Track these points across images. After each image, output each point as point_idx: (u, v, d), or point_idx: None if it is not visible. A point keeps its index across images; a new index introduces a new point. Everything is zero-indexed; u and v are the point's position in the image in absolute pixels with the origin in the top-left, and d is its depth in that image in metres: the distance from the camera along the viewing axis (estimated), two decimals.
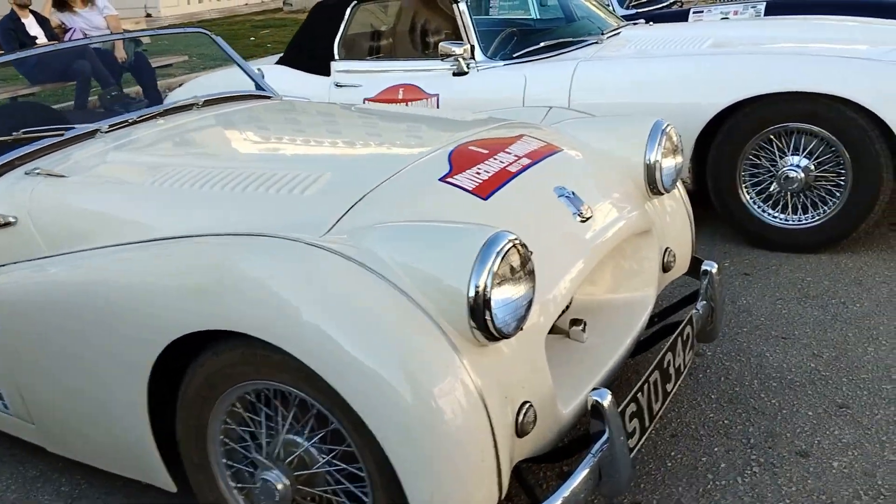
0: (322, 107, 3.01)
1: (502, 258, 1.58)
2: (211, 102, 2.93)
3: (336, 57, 4.54)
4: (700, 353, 2.78)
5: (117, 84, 6.99)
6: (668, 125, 2.43)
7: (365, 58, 4.64)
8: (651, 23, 4.78)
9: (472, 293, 1.55)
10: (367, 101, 4.34)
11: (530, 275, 1.66)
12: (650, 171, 2.36)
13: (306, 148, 2.40)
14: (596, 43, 4.26)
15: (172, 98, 3.99)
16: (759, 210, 3.65)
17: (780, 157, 3.54)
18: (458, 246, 1.61)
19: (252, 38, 13.11)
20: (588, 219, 2.05)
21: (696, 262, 2.65)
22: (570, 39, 4.25)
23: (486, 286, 1.55)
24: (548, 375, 1.78)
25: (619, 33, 4.42)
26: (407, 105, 4.25)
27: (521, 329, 1.66)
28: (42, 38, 7.05)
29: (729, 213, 3.72)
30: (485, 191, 1.95)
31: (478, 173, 2.03)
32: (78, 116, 5.13)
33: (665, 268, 2.45)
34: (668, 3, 6.38)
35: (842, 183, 3.44)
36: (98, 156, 2.37)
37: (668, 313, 2.53)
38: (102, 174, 2.29)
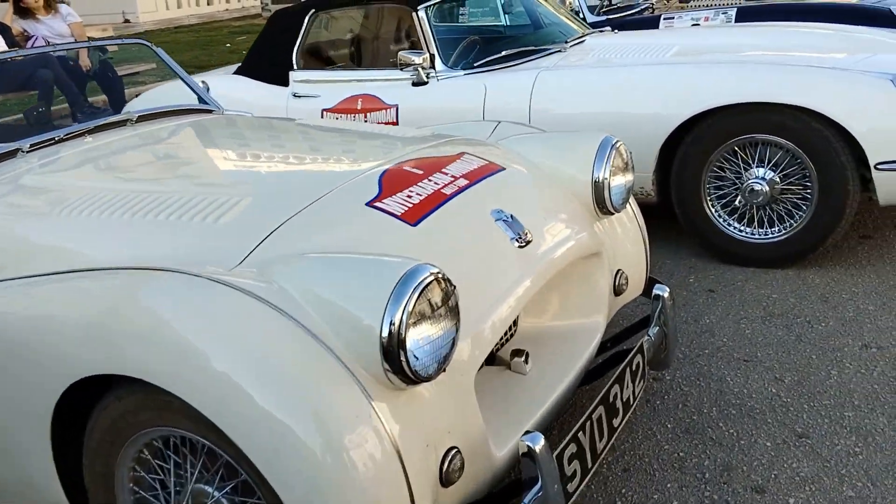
0: (261, 122, 2.87)
1: (419, 294, 1.45)
2: (147, 118, 2.79)
3: (294, 66, 4.41)
4: (658, 378, 2.66)
5: (82, 94, 6.82)
6: (617, 141, 2.31)
7: (324, 67, 4.51)
8: (616, 31, 4.67)
9: (385, 333, 1.42)
10: (325, 113, 4.21)
11: (453, 311, 1.53)
12: (598, 189, 2.25)
13: (233, 169, 2.27)
14: (559, 51, 4.15)
15: (127, 109, 3.84)
16: (725, 223, 3.55)
17: (745, 170, 3.44)
18: (371, 281, 1.48)
19: (228, 45, 12.94)
20: (528, 243, 1.93)
21: (652, 284, 2.55)
22: (533, 48, 4.14)
23: (400, 325, 1.42)
24: (478, 417, 1.66)
25: (583, 41, 4.31)
26: (366, 116, 4.13)
27: (444, 370, 1.53)
28: (2, 46, 6.87)
29: (693, 226, 3.61)
30: (414, 216, 1.83)
31: (409, 197, 1.90)
32: (23, 130, 4.97)
33: (617, 291, 2.33)
34: (639, 9, 6.28)
35: (808, 196, 3.34)
36: (12, 179, 2.22)
37: (623, 337, 2.41)
38: (14, 200, 2.14)
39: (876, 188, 3.23)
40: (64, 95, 6.62)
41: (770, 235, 3.46)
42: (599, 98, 3.61)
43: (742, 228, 3.52)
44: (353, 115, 4.17)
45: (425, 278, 1.47)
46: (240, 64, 4.82)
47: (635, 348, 2.04)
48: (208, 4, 28.20)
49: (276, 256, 1.64)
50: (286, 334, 1.45)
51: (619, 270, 2.33)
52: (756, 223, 3.50)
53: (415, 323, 1.45)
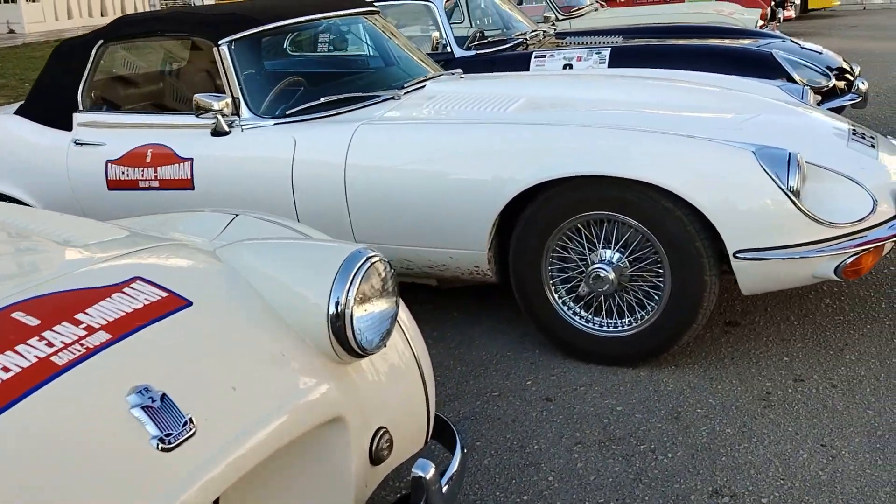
0: None
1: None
2: None
3: (80, 107, 3.67)
4: None
5: None
6: (373, 256, 1.69)
7: (114, 109, 3.79)
8: (462, 74, 4.08)
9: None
10: (110, 165, 3.49)
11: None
12: (338, 323, 1.61)
13: None
14: (392, 99, 3.54)
15: None
16: (569, 313, 2.98)
17: (591, 251, 2.89)
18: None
19: None
20: (184, 441, 1.27)
21: (442, 428, 1.96)
22: (362, 94, 3.51)
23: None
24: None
25: (423, 87, 3.72)
26: (156, 171, 3.43)
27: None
28: None
29: (534, 314, 3.04)
30: None
31: (4, 369, 1.23)
32: None
33: (375, 459, 1.70)
34: (511, 44, 5.77)
35: (660, 284, 2.81)
36: None
37: None
38: None
39: (737, 279, 2.72)
40: None
41: (619, 328, 2.92)
42: (424, 160, 3.01)
43: (589, 319, 2.97)
44: (142, 168, 3.46)
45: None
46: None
47: None
48: (102, 15, 26.74)
49: None
50: None
51: (380, 430, 1.70)
52: (604, 313, 2.95)
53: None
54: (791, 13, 14.16)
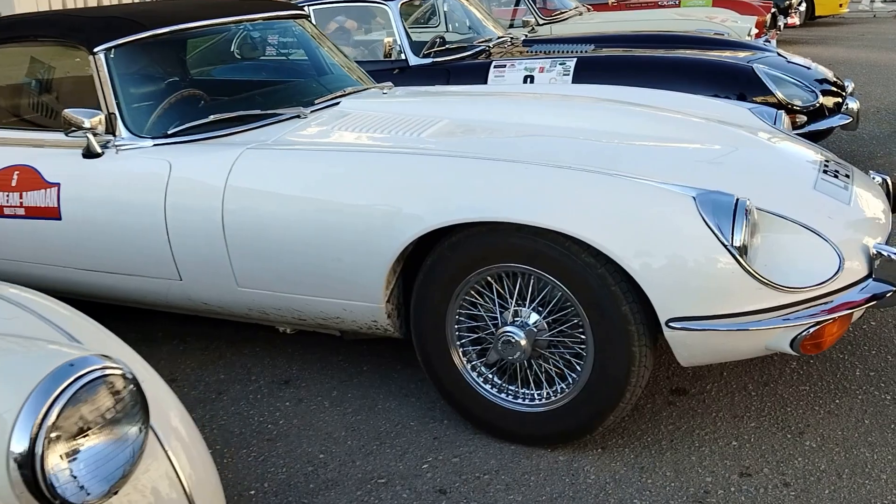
0: None
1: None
2: None
3: None
4: None
5: None
6: (99, 369, 1.21)
7: None
8: (390, 89, 3.59)
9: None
10: None
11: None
12: (25, 467, 1.14)
13: None
14: (298, 117, 3.07)
15: None
16: (479, 381, 2.51)
17: (503, 310, 2.42)
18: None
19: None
20: None
21: None
22: (260, 112, 3.04)
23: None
24: None
25: (337, 103, 3.24)
26: (21, 197, 2.97)
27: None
28: None
29: (438, 381, 2.57)
30: None
31: None
32: None
33: None
34: (472, 52, 5.30)
35: (583, 353, 2.33)
36: None
37: None
38: None
39: (672, 350, 2.25)
40: None
41: (536, 402, 2.44)
42: (309, 195, 2.54)
43: (502, 388, 2.49)
44: (7, 193, 3.00)
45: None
46: None
47: None
48: (98, 6, 26.40)
49: None
50: None
51: None
52: (520, 382, 2.48)
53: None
54: (795, 20, 13.58)
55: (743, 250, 2.10)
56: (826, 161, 2.76)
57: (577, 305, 2.27)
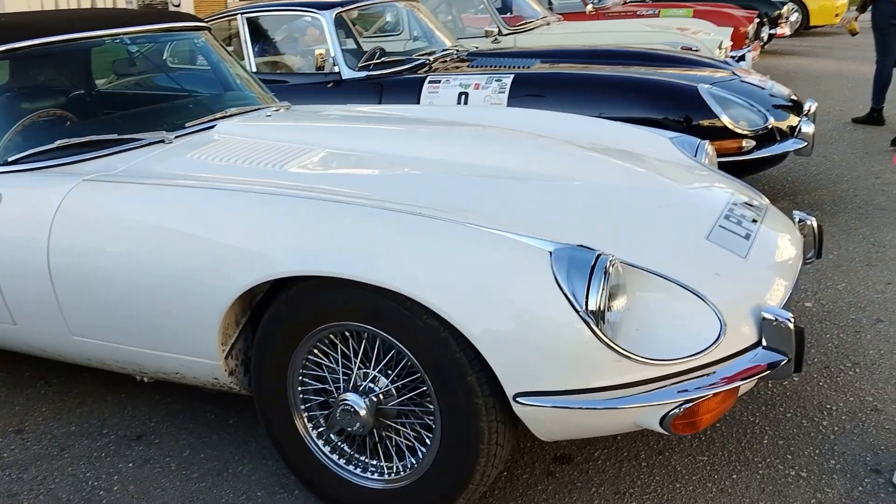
0: None
1: None
2: None
3: None
4: None
5: None
6: None
7: None
8: (284, 109, 3.29)
9: None
10: None
11: None
12: None
13: None
14: (162, 142, 2.78)
15: None
16: (326, 450, 2.22)
17: (346, 375, 2.12)
18: None
19: None
20: None
21: None
22: (114, 138, 2.75)
23: None
24: None
25: (213, 126, 2.95)
26: None
27: None
28: None
29: (281, 450, 2.28)
30: None
31: None
32: None
33: None
34: (411, 66, 5.02)
35: (432, 424, 2.04)
36: None
37: None
38: None
39: (527, 425, 1.95)
40: None
41: (385, 478, 2.15)
42: (137, 236, 2.25)
43: (352, 459, 2.20)
44: None
45: None
46: None
47: None
48: (93, 6, 26.19)
49: None
50: None
51: None
52: (368, 453, 2.18)
53: None
54: (785, 31, 13.25)
55: (599, 316, 1.80)
56: (734, 203, 2.47)
57: (422, 372, 1.98)
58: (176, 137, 2.81)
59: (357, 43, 5.93)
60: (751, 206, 2.50)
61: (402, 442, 2.11)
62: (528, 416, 1.90)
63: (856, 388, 2.73)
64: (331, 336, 2.10)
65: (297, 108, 3.47)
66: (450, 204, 2.16)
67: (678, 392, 1.86)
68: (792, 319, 1.96)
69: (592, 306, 1.80)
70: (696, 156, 2.99)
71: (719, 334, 1.91)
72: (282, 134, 2.86)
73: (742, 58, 7.71)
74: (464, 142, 2.74)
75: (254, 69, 5.18)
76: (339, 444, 2.21)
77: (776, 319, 1.97)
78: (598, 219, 2.21)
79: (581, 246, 1.90)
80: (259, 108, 3.24)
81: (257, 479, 2.41)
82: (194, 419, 2.77)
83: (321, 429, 2.22)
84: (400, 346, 1.98)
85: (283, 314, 2.10)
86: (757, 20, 9.95)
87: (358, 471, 2.18)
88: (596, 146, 2.83)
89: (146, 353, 2.34)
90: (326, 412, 2.20)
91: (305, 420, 2.21)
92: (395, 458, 2.13)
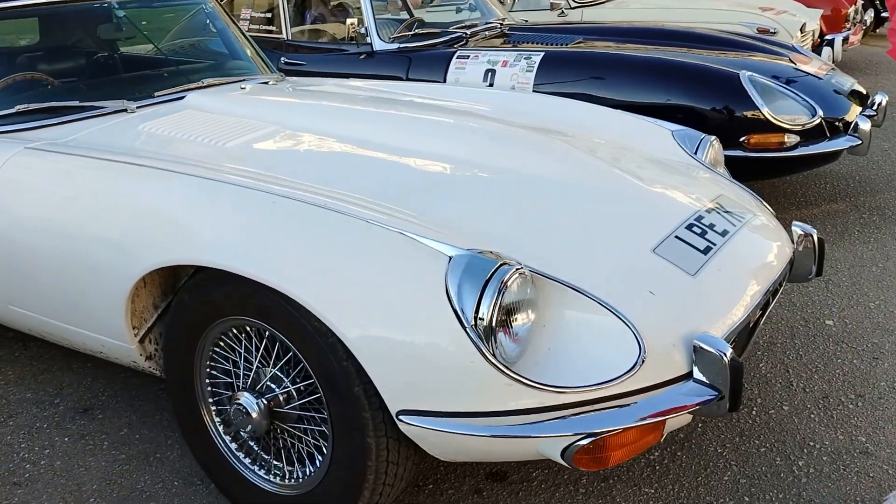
0: None
1: None
2: None
3: None
4: None
5: None
6: None
7: None
8: (273, 82, 3.16)
9: None
10: None
11: None
12: None
13: None
14: (125, 111, 2.72)
15: None
16: (233, 448, 2.11)
17: (247, 372, 2.00)
18: None
19: None
20: None
21: None
22: (75, 105, 2.70)
23: None
24: None
25: (182, 98, 2.86)
26: None
27: None
28: None
29: (192, 445, 2.18)
30: None
31: None
32: None
33: None
34: (444, 39, 4.81)
35: (327, 431, 1.89)
36: None
37: None
38: None
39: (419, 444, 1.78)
40: None
41: (289, 482, 2.02)
42: (64, 210, 2.17)
43: (257, 458, 2.09)
44: None
45: None
46: None
47: None
48: None
49: None
50: None
51: None
52: (273, 454, 2.06)
53: None
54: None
55: (489, 333, 1.60)
56: (706, 211, 2.19)
57: (314, 377, 1.83)
58: (140, 107, 2.73)
59: (410, 12, 5.75)
60: (727, 214, 2.21)
61: (302, 448, 1.98)
62: (415, 436, 1.73)
63: (850, 425, 2.42)
64: (234, 330, 1.98)
65: (292, 81, 3.34)
66: (373, 194, 1.99)
67: (580, 423, 1.65)
68: (728, 352, 1.70)
69: (482, 323, 1.60)
70: (696, 152, 2.70)
71: (636, 362, 1.68)
72: (246, 109, 2.73)
73: (830, 42, 7.09)
74: (445, 130, 2.51)
75: (289, 38, 5.09)
76: (248, 441, 2.10)
77: (710, 350, 1.72)
78: (529, 220, 1.98)
79: (488, 252, 1.70)
80: (239, 80, 3.12)
81: (180, 468, 2.33)
82: (145, 397, 2.71)
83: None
84: (293, 347, 1.83)
85: (186, 303, 1.99)
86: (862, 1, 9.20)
87: (261, 471, 2.07)
88: (565, 136, 2.58)
89: (72, 330, 2.29)
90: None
91: (212, 414, 2.11)
92: (296, 463, 2.00)
